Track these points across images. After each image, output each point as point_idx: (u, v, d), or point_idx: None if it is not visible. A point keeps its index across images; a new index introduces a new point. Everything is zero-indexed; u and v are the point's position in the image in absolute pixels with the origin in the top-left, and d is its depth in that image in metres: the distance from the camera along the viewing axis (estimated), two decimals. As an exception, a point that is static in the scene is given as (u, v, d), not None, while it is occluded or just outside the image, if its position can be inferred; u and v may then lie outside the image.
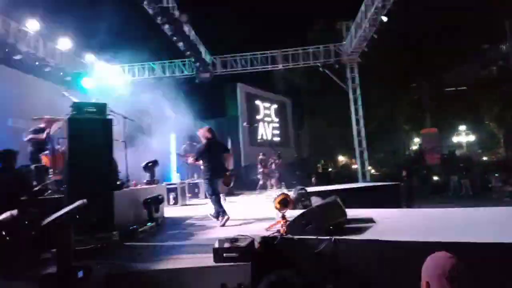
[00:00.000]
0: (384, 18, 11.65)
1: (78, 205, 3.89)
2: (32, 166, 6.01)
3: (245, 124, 14.69)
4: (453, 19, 22.03)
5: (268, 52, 15.14)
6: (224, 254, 3.73)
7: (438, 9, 21.82)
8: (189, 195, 10.49)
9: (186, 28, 11.80)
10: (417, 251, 2.78)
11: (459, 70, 22.75)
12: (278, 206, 4.94)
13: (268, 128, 17.99)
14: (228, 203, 9.05)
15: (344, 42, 14.76)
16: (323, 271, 3.53)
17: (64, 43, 11.96)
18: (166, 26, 11.00)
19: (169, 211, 7.84)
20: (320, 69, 15.36)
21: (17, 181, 5.21)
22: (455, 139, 26.85)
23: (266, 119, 18.05)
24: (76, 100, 5.77)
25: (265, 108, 18.04)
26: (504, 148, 25.66)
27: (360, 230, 3.99)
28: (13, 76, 9.44)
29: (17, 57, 9.56)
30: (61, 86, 10.26)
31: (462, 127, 26.70)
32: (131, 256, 4.43)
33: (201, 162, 6.47)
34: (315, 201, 7.45)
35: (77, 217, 3.70)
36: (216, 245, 3.85)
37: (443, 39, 23.30)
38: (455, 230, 3.80)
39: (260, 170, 12.75)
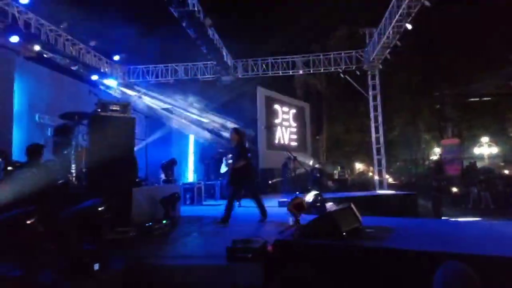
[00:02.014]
0: (409, 26, 11.53)
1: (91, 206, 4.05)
2: (56, 160, 6.23)
3: (263, 127, 14.75)
4: (480, 28, 21.58)
5: (289, 57, 15.20)
6: (238, 254, 3.80)
7: (465, 17, 21.43)
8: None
9: (210, 32, 11.98)
10: (431, 260, 2.78)
11: (485, 80, 22.23)
12: (293, 209, 5.00)
13: (285, 133, 17.99)
14: (242, 206, 9.14)
15: (366, 49, 14.67)
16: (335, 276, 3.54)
17: (91, 43, 12.38)
18: (191, 30, 11.20)
19: (185, 210, 7.97)
20: (341, 75, 15.31)
21: (42, 175, 5.42)
22: (477, 150, 26.18)
23: (284, 123, 18.04)
24: (101, 98, 5.98)
25: (283, 112, 18.03)
26: (528, 162, 24.86)
27: (375, 238, 3.99)
28: (42, 73, 9.80)
29: (48, 55, 9.92)
30: (86, 85, 10.59)
31: (485, 139, 26.03)
32: (146, 251, 4.55)
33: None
34: (330, 207, 7.45)
35: (86, 217, 3.85)
36: (230, 245, 3.93)
37: (469, 48, 22.83)
38: (471, 242, 3.75)
39: (285, 173, 12.89)
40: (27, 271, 3.10)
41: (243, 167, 6.42)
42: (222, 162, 11.20)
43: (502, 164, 24.63)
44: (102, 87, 11.59)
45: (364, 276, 3.31)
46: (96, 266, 3.51)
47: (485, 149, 25.60)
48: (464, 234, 4.36)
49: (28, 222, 3.31)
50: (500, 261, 2.75)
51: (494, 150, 25.78)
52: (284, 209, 8.15)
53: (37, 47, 9.68)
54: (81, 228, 4.06)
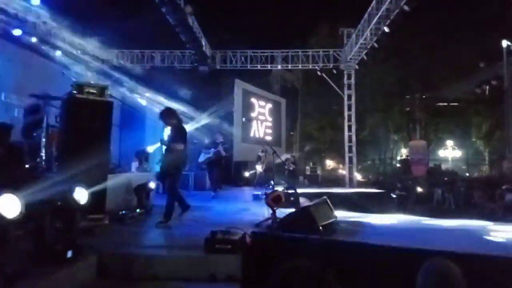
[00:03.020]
0: (386, 29, 11.79)
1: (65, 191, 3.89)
2: (25, 142, 5.94)
3: (243, 119, 14.66)
4: (453, 35, 22.40)
5: (268, 51, 15.19)
6: (217, 245, 3.77)
7: (439, 25, 22.18)
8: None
9: (190, 20, 11.76)
10: (411, 257, 2.85)
11: (454, 86, 23.17)
12: (270, 202, 5.02)
13: (261, 127, 18.01)
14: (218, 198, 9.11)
15: (344, 49, 14.89)
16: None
17: (64, 23, 11.81)
18: (170, 16, 10.95)
19: (158, 199, 7.82)
20: (318, 72, 15.47)
21: (10, 156, 5.15)
22: (442, 153, 27.30)
23: (260, 117, 18.06)
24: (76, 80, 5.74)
25: (260, 106, 18.05)
26: (488, 167, 26.19)
27: (350, 232, 4.07)
28: (9, 51, 9.27)
29: (17, 32, 9.39)
30: (59, 66, 10.11)
31: (450, 142, 27.17)
32: (121, 240, 4.44)
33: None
34: (303, 201, 7.54)
35: (59, 203, 3.71)
36: (209, 236, 3.89)
37: (441, 54, 23.67)
38: (448, 240, 3.89)
39: (258, 166, 12.94)
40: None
41: (180, 153, 5.49)
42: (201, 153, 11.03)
43: (464, 167, 25.86)
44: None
45: (339, 271, 3.35)
46: (69, 254, 3.39)
47: (450, 152, 26.75)
48: (438, 232, 4.52)
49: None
50: (483, 259, 2.85)
51: (458, 153, 26.97)
52: (258, 202, 8.22)
53: (4, 23, 9.14)
54: (53, 214, 3.90)
